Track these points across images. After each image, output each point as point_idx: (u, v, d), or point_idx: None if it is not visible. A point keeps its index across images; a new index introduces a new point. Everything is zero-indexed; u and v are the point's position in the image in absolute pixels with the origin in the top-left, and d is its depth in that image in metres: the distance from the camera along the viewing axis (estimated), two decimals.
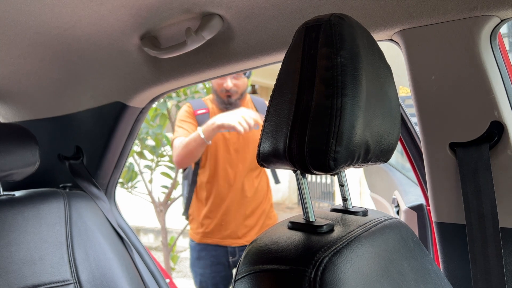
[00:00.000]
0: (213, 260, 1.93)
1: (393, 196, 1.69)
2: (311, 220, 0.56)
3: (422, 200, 1.31)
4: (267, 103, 0.60)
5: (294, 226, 0.57)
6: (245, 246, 1.91)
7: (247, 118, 1.70)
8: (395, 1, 0.81)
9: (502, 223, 0.80)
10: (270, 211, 2.03)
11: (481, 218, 0.80)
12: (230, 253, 1.93)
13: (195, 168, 1.96)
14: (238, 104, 1.91)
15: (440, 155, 0.85)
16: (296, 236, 0.54)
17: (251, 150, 1.92)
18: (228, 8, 0.91)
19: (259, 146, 0.58)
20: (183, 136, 1.86)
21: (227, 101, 1.90)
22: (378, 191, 2.24)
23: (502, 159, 0.79)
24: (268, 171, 2.10)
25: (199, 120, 1.91)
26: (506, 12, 0.74)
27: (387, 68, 0.61)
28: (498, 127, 0.78)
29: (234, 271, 2.00)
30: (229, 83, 1.88)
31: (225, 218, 1.90)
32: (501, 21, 0.76)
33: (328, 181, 7.59)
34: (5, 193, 1.18)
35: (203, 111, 1.93)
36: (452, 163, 0.84)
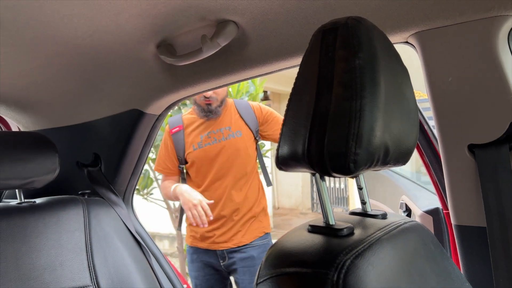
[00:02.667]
0: (204, 263, 1.98)
1: (401, 201, 1.67)
2: (331, 223, 0.56)
3: (436, 204, 1.30)
4: (283, 108, 0.60)
5: (314, 229, 0.57)
6: (233, 249, 1.93)
7: (197, 210, 1.76)
8: (410, 3, 0.81)
9: None
10: (261, 215, 2.02)
11: (503, 220, 0.79)
12: (220, 257, 1.95)
13: (184, 182, 2.03)
14: (218, 112, 1.93)
15: (459, 157, 0.84)
16: (317, 239, 0.54)
17: (237, 159, 1.93)
18: (242, 15, 0.92)
19: (277, 150, 0.58)
20: (162, 173, 2.05)
21: (207, 109, 1.91)
22: (377, 197, 2.22)
23: None
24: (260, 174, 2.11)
25: (174, 138, 1.98)
26: None
27: (404, 69, 0.61)
28: None
29: (227, 274, 2.00)
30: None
31: (215, 227, 1.93)
32: None
33: (342, 186, 7.53)
34: (26, 200, 1.20)
35: (177, 129, 2.00)
36: (471, 165, 0.83)
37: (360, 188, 0.68)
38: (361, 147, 0.50)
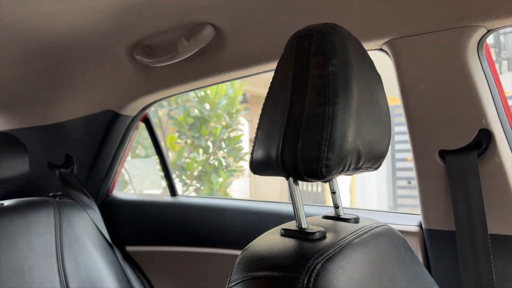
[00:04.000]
0: None
1: None
2: (303, 227, 0.56)
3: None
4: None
5: (286, 233, 0.57)
6: None
7: None
8: (385, 11, 0.82)
9: (491, 229, 0.81)
10: None
11: (471, 224, 0.81)
12: None
13: None
14: None
15: (430, 162, 0.86)
16: (289, 243, 0.54)
17: None
18: (220, 18, 0.92)
19: (252, 154, 0.58)
20: None
21: None
22: None
23: (490, 166, 0.80)
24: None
25: None
26: (492, 23, 0.76)
27: (377, 76, 0.62)
28: (486, 135, 0.80)
29: None
30: None
31: None
32: (488, 31, 0.78)
33: (319, 189, 7.59)
34: None
35: None
36: (442, 171, 0.85)
37: (333, 192, 0.69)
38: (333, 152, 0.51)
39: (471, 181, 0.81)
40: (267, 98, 0.58)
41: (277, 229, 0.60)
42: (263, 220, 1.20)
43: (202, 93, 3.55)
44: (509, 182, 0.80)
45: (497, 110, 0.81)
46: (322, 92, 0.51)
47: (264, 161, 0.56)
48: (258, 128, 0.58)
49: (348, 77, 0.52)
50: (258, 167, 0.57)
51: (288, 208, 1.19)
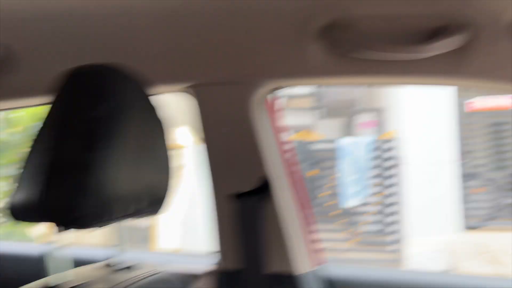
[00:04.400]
0: None
1: None
2: (51, 285, 0.52)
3: None
4: None
5: None
6: None
7: None
8: (187, 57, 0.85)
9: (272, 267, 0.88)
10: None
11: (255, 263, 0.88)
12: None
13: None
14: None
15: (223, 205, 0.91)
16: None
17: None
18: (11, 38, 0.83)
19: (10, 197, 0.52)
20: None
21: None
22: None
23: (271, 210, 0.89)
24: None
25: None
26: (273, 83, 0.85)
27: (159, 121, 0.62)
28: (268, 181, 0.88)
29: None
30: None
31: None
32: (271, 89, 0.88)
33: (147, 225, 7.33)
34: None
35: None
36: (233, 213, 0.90)
37: (116, 239, 0.66)
38: (97, 199, 0.48)
39: (256, 222, 0.88)
40: (34, 137, 0.53)
41: (39, 283, 0.54)
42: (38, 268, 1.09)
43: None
44: (284, 225, 0.89)
45: (276, 160, 0.91)
46: (90, 136, 0.49)
47: (26, 206, 0.50)
48: (22, 169, 0.52)
49: (120, 122, 0.51)
50: (18, 213, 0.51)
51: (85, 253, 1.09)
